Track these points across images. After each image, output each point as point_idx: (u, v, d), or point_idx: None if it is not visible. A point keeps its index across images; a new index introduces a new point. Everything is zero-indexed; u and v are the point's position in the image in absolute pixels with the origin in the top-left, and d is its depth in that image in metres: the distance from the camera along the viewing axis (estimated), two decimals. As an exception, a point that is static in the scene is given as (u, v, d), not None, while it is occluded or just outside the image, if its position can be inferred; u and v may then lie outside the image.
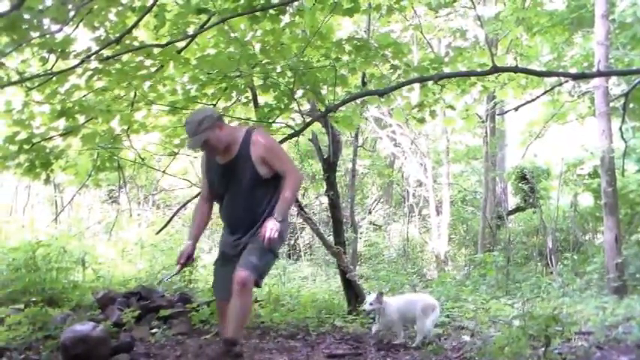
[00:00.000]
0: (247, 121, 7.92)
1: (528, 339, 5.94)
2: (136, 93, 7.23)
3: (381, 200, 24.33)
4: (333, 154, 9.32)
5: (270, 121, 7.76)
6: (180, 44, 6.69)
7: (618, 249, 10.76)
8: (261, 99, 8.33)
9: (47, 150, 7.46)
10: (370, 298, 6.89)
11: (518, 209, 19.17)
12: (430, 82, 7.33)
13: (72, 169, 8.34)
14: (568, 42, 15.47)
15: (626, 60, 12.69)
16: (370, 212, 23.28)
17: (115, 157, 8.12)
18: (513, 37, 14.76)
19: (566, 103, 15.37)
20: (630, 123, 13.86)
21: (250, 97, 8.43)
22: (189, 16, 6.40)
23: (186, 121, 4.61)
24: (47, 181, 8.04)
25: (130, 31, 5.71)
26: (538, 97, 8.14)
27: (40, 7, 5.58)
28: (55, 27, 5.66)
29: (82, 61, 5.78)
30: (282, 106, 7.59)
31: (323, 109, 7.45)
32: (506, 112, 16.57)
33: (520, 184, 18.06)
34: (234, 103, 8.20)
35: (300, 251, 21.12)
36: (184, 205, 8.18)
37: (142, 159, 8.39)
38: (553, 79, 10.50)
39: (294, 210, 9.57)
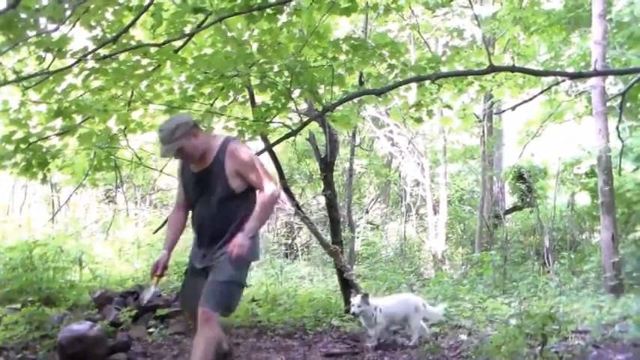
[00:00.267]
0: (244, 120, 7.92)
1: (525, 338, 5.95)
2: (132, 92, 7.21)
3: (379, 199, 24.35)
4: (330, 153, 9.32)
5: (268, 120, 7.76)
6: (177, 43, 6.69)
7: (615, 248, 10.77)
8: (259, 98, 8.33)
9: (44, 149, 7.45)
10: (356, 300, 6.82)
11: (515, 208, 19.19)
12: (427, 82, 7.34)
13: (69, 168, 8.33)
14: (565, 41, 15.48)
15: (623, 59, 12.70)
16: (367, 211, 23.29)
17: (112, 157, 8.11)
18: (510, 36, 14.78)
19: (563, 103, 15.37)
20: (627, 122, 13.86)
21: (247, 97, 8.43)
22: (186, 15, 6.39)
23: (160, 128, 4.38)
24: (44, 180, 8.02)
25: (126, 30, 5.71)
26: (535, 96, 8.15)
27: (37, 6, 5.57)
28: (51, 26, 5.63)
29: (79, 60, 5.77)
30: (280, 106, 7.58)
31: (320, 108, 7.44)
32: (503, 111, 16.59)
33: (517, 184, 18.08)
34: (232, 102, 8.19)
35: (297, 251, 21.13)
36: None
37: (139, 158, 8.37)
38: (550, 79, 10.51)
39: (291, 210, 9.55)
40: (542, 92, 9.18)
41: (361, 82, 8.62)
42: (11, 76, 6.18)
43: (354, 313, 6.88)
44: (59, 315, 7.37)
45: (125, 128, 7.59)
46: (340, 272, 9.31)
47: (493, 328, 7.73)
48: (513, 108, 7.63)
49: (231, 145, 4.38)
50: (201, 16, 6.46)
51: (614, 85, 14.10)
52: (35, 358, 6.01)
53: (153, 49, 6.25)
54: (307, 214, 11.93)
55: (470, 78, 8.25)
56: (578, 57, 14.35)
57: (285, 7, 6.52)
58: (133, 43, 6.25)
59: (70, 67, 5.89)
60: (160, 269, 4.58)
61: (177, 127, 4.24)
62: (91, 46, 5.93)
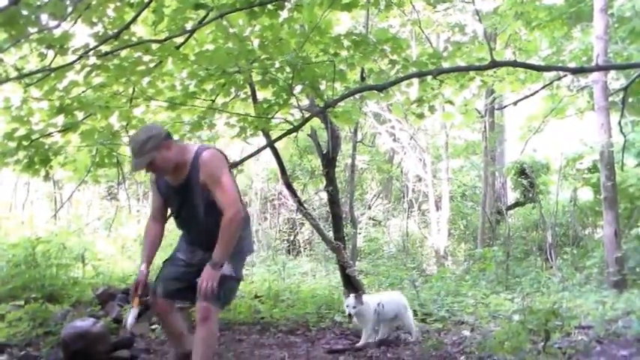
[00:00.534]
0: (246, 116, 7.92)
1: (528, 333, 5.94)
2: (134, 89, 7.21)
3: (381, 195, 24.35)
4: (332, 149, 9.32)
5: (269, 116, 7.76)
6: (179, 40, 6.69)
7: (618, 243, 10.76)
8: (260, 94, 8.33)
9: (46, 146, 7.46)
10: (350, 300, 6.60)
11: (517, 204, 19.19)
12: (429, 77, 7.34)
13: (71, 165, 8.34)
14: (567, 36, 15.44)
15: (624, 54, 12.66)
16: (370, 207, 23.29)
17: (114, 153, 8.10)
18: (512, 31, 14.76)
19: (565, 98, 15.34)
20: (629, 117, 13.84)
21: (249, 93, 8.43)
22: (188, 11, 6.39)
23: (130, 140, 4.23)
24: (46, 177, 8.03)
25: (128, 26, 5.70)
26: (537, 91, 8.15)
27: (38, 2, 5.57)
28: (53, 23, 5.64)
29: (80, 57, 5.76)
30: (281, 102, 7.57)
31: (322, 104, 7.44)
32: (505, 106, 16.55)
33: (519, 179, 18.08)
34: (233, 98, 8.19)
35: (299, 247, 21.17)
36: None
37: (141, 155, 8.36)
38: (552, 74, 10.50)
39: (294, 206, 9.54)
40: (543, 87, 9.19)
41: (363, 78, 8.61)
42: (13, 73, 6.18)
43: (349, 314, 6.65)
44: (62, 312, 7.37)
45: (127, 125, 7.58)
46: (343, 268, 9.31)
47: (496, 324, 7.73)
48: (515, 103, 7.63)
49: (203, 155, 4.18)
50: (202, 12, 6.47)
51: (616, 80, 14.07)
52: (39, 354, 6.00)
53: (154, 46, 6.24)
54: (309, 210, 11.94)
55: (471, 73, 8.24)
56: (579, 52, 14.30)
57: (286, 3, 6.52)
58: (135, 39, 6.24)
59: (72, 63, 5.88)
60: (140, 288, 4.41)
61: (148, 140, 4.04)
62: (93, 43, 5.92)
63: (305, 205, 10.82)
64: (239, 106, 8.48)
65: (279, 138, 7.50)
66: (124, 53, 6.39)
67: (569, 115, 16.59)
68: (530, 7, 14.05)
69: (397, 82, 6.90)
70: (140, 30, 7.08)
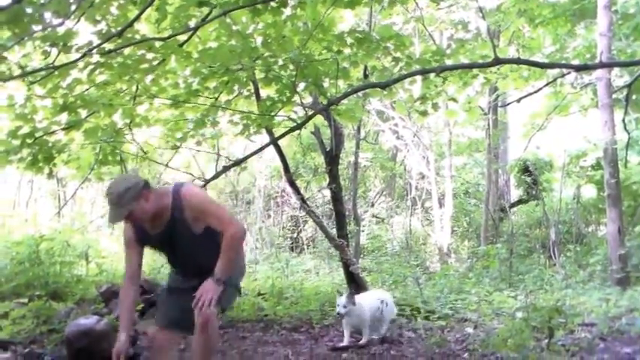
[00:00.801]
0: (249, 114, 7.92)
1: (532, 331, 5.95)
2: (137, 87, 7.22)
3: (384, 193, 24.33)
4: (335, 146, 9.33)
5: (273, 114, 7.76)
6: (182, 37, 6.69)
7: (621, 240, 10.75)
8: (263, 92, 8.34)
9: (50, 144, 7.46)
10: (342, 300, 6.50)
11: (520, 201, 19.17)
12: (432, 75, 7.32)
13: (74, 162, 8.34)
14: (570, 33, 15.41)
15: (628, 51, 12.66)
16: (373, 205, 23.29)
17: (118, 151, 8.11)
18: (515, 28, 14.72)
19: (569, 95, 15.31)
20: (633, 114, 13.84)
21: (252, 91, 8.44)
22: (191, 9, 6.38)
23: (108, 191, 4.03)
24: (50, 175, 8.05)
25: (131, 24, 5.69)
26: (540, 88, 8.12)
27: (42, 0, 5.58)
28: (56, 20, 5.64)
29: (84, 55, 5.77)
30: (284, 99, 7.57)
31: (325, 102, 7.44)
32: (508, 104, 16.56)
33: (523, 177, 18.05)
34: (236, 96, 8.20)
35: (303, 244, 21.15)
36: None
37: (145, 152, 8.38)
38: (555, 71, 10.47)
39: (297, 203, 9.55)
40: (547, 84, 9.17)
41: (366, 76, 8.61)
42: (17, 71, 6.19)
43: (339, 314, 6.54)
44: (66, 309, 7.39)
45: (130, 122, 7.59)
46: (346, 266, 9.32)
47: (499, 322, 7.73)
48: (518, 100, 7.60)
49: (182, 193, 4.07)
50: (205, 10, 6.46)
51: (620, 77, 14.04)
52: (43, 352, 6.02)
53: (158, 44, 6.25)
54: (313, 207, 11.95)
55: (475, 71, 8.22)
56: (583, 49, 14.28)
57: (289, 0, 6.51)
58: (138, 37, 6.24)
59: (76, 61, 5.89)
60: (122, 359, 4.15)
61: (126, 191, 3.91)
62: (96, 41, 5.93)
63: (308, 202, 10.82)
64: (242, 104, 8.49)
65: (283, 135, 7.49)
66: (127, 51, 6.40)
67: (572, 113, 16.56)
68: (534, 4, 14.01)
69: (400, 79, 6.89)
70: (143, 28, 7.09)
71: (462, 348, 6.46)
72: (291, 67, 6.99)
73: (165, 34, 6.19)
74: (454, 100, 8.77)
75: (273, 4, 6.25)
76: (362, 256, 16.87)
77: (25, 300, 7.87)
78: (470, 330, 7.40)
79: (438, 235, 19.31)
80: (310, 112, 7.61)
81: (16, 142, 7.14)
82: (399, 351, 6.45)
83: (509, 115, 20.53)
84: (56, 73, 6.28)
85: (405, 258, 15.96)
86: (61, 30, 5.80)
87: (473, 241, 19.83)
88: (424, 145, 20.33)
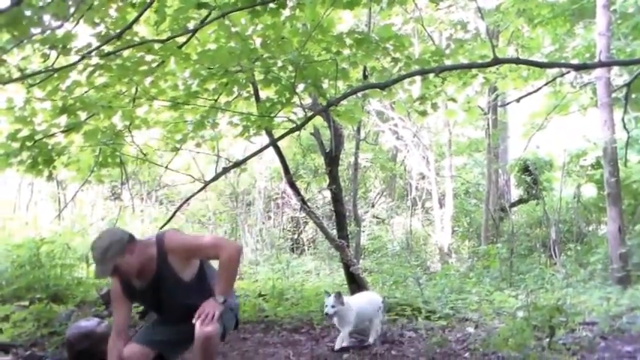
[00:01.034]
0: (249, 115, 7.92)
1: (532, 330, 5.95)
2: (137, 89, 7.22)
3: (384, 193, 24.35)
4: (335, 147, 9.33)
5: (272, 115, 7.76)
6: (181, 39, 6.69)
7: (622, 239, 10.75)
8: (263, 93, 8.34)
9: (49, 147, 7.48)
10: (330, 300, 6.34)
11: (521, 201, 19.16)
12: (431, 75, 7.32)
13: (74, 165, 8.35)
14: (569, 33, 15.42)
15: (627, 50, 12.65)
16: (373, 206, 23.30)
17: (117, 153, 8.12)
18: (514, 28, 14.73)
19: (568, 95, 15.31)
20: (632, 113, 13.83)
21: (252, 92, 8.44)
22: (190, 11, 6.39)
23: (92, 246, 3.98)
24: (50, 177, 8.06)
25: (130, 26, 5.70)
26: (540, 88, 8.11)
27: (41, 3, 5.58)
28: (55, 23, 5.65)
29: (83, 57, 5.77)
30: (284, 101, 7.57)
31: (324, 103, 7.44)
32: (507, 103, 16.56)
33: (523, 176, 18.04)
34: (236, 97, 8.20)
35: (303, 245, 21.18)
36: (187, 200, 8.16)
37: (144, 155, 8.38)
38: (555, 71, 10.48)
39: (297, 204, 9.54)
40: (546, 84, 9.15)
41: (365, 76, 8.61)
42: (16, 74, 6.19)
43: (326, 314, 6.40)
44: (67, 312, 7.41)
45: (130, 124, 7.60)
46: (346, 266, 9.32)
47: (500, 321, 7.74)
48: (518, 100, 7.59)
49: (166, 242, 4.01)
50: (204, 12, 6.46)
51: (620, 77, 14.04)
52: (44, 354, 6.03)
53: (157, 46, 6.25)
54: (313, 208, 11.94)
55: (474, 71, 8.23)
56: (582, 48, 14.27)
57: (288, 2, 6.51)
58: (137, 39, 6.25)
59: (75, 64, 5.89)
60: None
61: (110, 246, 3.86)
62: (95, 43, 5.93)
63: (308, 203, 10.81)
64: (242, 105, 8.49)
65: (282, 137, 7.47)
66: (126, 53, 6.40)
67: (572, 112, 16.56)
68: (533, 4, 14.01)
69: (400, 80, 6.88)
70: (142, 30, 7.09)
71: (463, 347, 6.46)
72: (291, 68, 6.98)
73: (165, 36, 6.19)
74: (453, 100, 8.77)
75: (272, 5, 6.25)
76: (362, 256, 16.88)
77: (26, 303, 7.88)
78: (471, 329, 7.41)
79: (438, 235, 19.32)
80: (310, 113, 7.61)
81: (16, 145, 7.16)
82: (400, 351, 6.45)
83: (509, 115, 20.53)
84: (55, 75, 6.30)
85: (405, 258, 15.93)
86: (60, 32, 5.81)
87: (473, 240, 19.82)
88: (424, 145, 20.34)
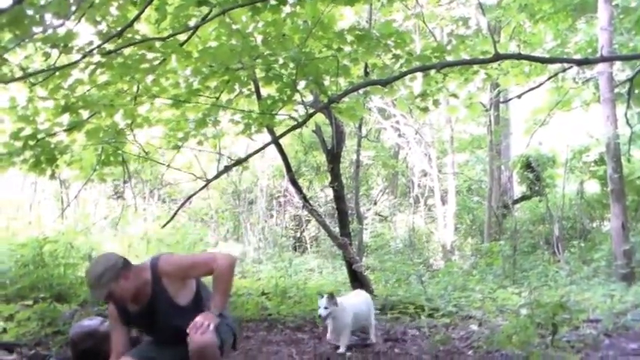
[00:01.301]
0: (251, 113, 7.91)
1: (536, 327, 5.94)
2: (138, 87, 7.21)
3: (386, 191, 24.33)
4: (336, 145, 9.33)
5: (274, 112, 7.75)
6: (182, 37, 6.68)
7: (625, 236, 10.74)
8: (264, 91, 8.34)
9: (52, 145, 7.48)
10: (322, 302, 6.22)
11: (524, 198, 19.14)
12: (433, 71, 7.31)
13: (77, 164, 8.35)
14: (571, 28, 15.39)
15: (630, 45, 12.63)
16: (375, 203, 23.29)
17: (120, 152, 8.12)
18: (516, 24, 14.71)
19: (571, 90, 15.30)
20: (635, 109, 13.80)
21: (253, 90, 8.44)
22: (190, 8, 6.38)
23: (87, 273, 3.97)
24: (53, 176, 8.05)
25: (131, 24, 5.69)
26: (541, 83, 8.13)
27: (42, 2, 5.57)
28: (57, 22, 5.65)
29: (85, 55, 5.77)
30: (285, 98, 7.56)
31: (326, 100, 7.43)
32: (509, 99, 16.53)
33: (525, 173, 18.03)
34: (237, 95, 8.19)
35: (306, 243, 21.18)
36: (189, 198, 8.18)
37: (146, 153, 8.38)
38: (557, 66, 10.47)
39: (299, 202, 9.52)
40: (548, 79, 9.17)
41: (366, 73, 8.60)
42: (18, 73, 6.19)
43: (320, 316, 6.29)
44: (70, 311, 7.40)
45: (132, 123, 7.59)
46: (349, 264, 9.32)
47: (504, 318, 7.73)
48: (519, 96, 7.61)
49: (160, 266, 3.97)
50: (205, 9, 6.45)
51: (622, 72, 14.02)
52: (48, 354, 6.02)
53: (158, 43, 6.24)
54: (315, 206, 11.94)
55: (475, 67, 8.21)
56: (584, 44, 14.25)
57: (288, -1, 6.50)
58: (138, 37, 6.24)
59: (77, 62, 5.89)
60: None
61: (104, 272, 3.83)
62: (97, 41, 5.93)
63: (311, 201, 10.82)
64: (243, 103, 8.48)
65: (284, 134, 7.46)
66: (127, 51, 6.40)
67: (574, 108, 16.55)
68: (534, -1, 14.02)
69: (401, 76, 6.85)
70: (143, 28, 7.08)
71: (467, 345, 6.45)
72: (292, 65, 6.97)
73: (166, 34, 6.18)
74: (455, 96, 8.77)
75: (272, 2, 6.24)
76: (365, 254, 16.85)
77: (30, 302, 7.87)
78: (474, 327, 7.40)
79: (441, 233, 19.32)
80: (311, 111, 7.60)
81: (19, 144, 7.15)
82: (403, 349, 6.45)
83: (511, 112, 20.52)
84: (57, 73, 6.29)
85: (408, 256, 15.94)
86: (61, 31, 5.80)
87: (476, 238, 19.82)
88: (426, 142, 20.34)
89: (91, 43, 5.91)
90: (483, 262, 13.85)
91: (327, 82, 7.57)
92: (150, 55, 6.54)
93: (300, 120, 7.17)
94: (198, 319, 3.75)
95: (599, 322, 7.20)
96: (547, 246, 15.33)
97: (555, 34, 15.44)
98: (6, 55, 5.91)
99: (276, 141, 8.51)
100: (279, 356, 6.27)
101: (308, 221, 21.30)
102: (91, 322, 5.71)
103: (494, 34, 8.43)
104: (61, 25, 5.66)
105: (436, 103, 8.32)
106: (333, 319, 6.24)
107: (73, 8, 5.54)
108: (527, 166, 17.81)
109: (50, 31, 5.73)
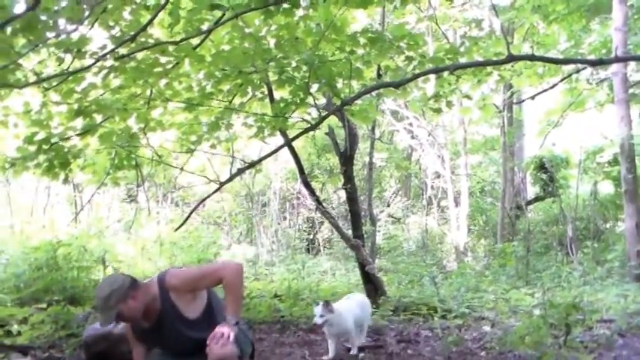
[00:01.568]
0: (264, 116, 7.93)
1: (549, 328, 5.92)
2: (152, 91, 7.24)
3: (399, 193, 24.32)
4: (349, 147, 9.33)
5: (287, 115, 7.76)
6: (195, 41, 6.70)
7: (639, 236, 10.68)
8: (277, 94, 8.34)
9: (66, 149, 7.51)
10: (318, 309, 6.02)
11: (537, 199, 19.08)
12: (446, 73, 7.30)
13: (90, 168, 8.39)
14: (585, 29, 15.33)
15: (644, 45, 12.59)
16: (389, 205, 23.28)
17: (133, 156, 8.15)
18: (529, 25, 14.67)
19: (585, 91, 15.25)
20: (649, 109, 13.76)
21: (266, 93, 8.45)
22: (203, 12, 6.40)
23: (96, 295, 3.96)
24: (66, 180, 8.10)
25: (144, 28, 5.72)
26: (555, 84, 8.11)
27: (56, 7, 5.61)
28: (70, 27, 5.68)
29: (98, 60, 5.80)
30: (298, 101, 7.57)
31: (339, 102, 7.43)
32: (523, 101, 16.49)
33: (539, 174, 17.96)
34: (250, 98, 8.20)
35: (319, 245, 21.19)
36: (202, 201, 8.18)
37: (160, 156, 8.41)
38: (570, 67, 10.45)
39: (312, 205, 9.53)
40: (562, 80, 9.15)
41: (379, 75, 8.60)
42: (32, 78, 6.23)
43: (315, 324, 6.09)
44: (84, 314, 7.43)
45: (145, 127, 7.61)
46: (362, 266, 9.31)
47: (516, 319, 7.70)
48: (533, 97, 7.60)
49: (167, 282, 3.96)
50: (218, 13, 6.47)
51: (637, 72, 13.99)
52: (62, 356, 6.07)
53: (171, 47, 6.27)
54: (328, 208, 11.95)
55: (489, 68, 8.20)
56: (599, 44, 14.19)
57: (301, 2, 6.50)
58: (151, 41, 6.26)
59: (90, 66, 5.92)
60: None
61: (111, 294, 3.83)
62: (110, 46, 5.96)
63: (324, 203, 10.82)
64: (256, 106, 8.50)
65: (297, 137, 7.48)
66: (141, 55, 6.42)
67: (588, 109, 16.50)
68: (548, 0, 13.97)
69: (414, 78, 6.85)
70: (157, 32, 7.11)
71: (480, 346, 6.44)
72: (305, 68, 6.98)
73: (178, 38, 6.20)
74: (468, 97, 8.75)
75: (285, 5, 6.25)
76: (378, 256, 16.87)
77: (44, 305, 7.92)
78: (487, 328, 7.39)
79: (454, 234, 19.28)
80: (324, 113, 7.61)
81: (33, 148, 7.19)
82: (416, 350, 6.45)
83: (525, 113, 20.45)
84: (71, 78, 6.32)
85: (421, 257, 15.93)
86: (75, 36, 5.84)
87: (489, 239, 19.78)
88: (439, 144, 20.31)
89: (104, 47, 5.95)
90: (496, 263, 13.82)
91: (339, 85, 7.57)
92: (163, 59, 6.58)
93: (313, 123, 7.19)
94: (218, 329, 3.71)
95: (613, 322, 7.17)
96: (560, 247, 15.27)
97: (569, 35, 15.38)
98: (20, 61, 5.94)
99: (289, 144, 8.53)
100: (292, 358, 6.29)
101: (321, 223, 21.33)
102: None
103: (507, 36, 8.39)
104: (75, 30, 5.70)
105: (449, 104, 8.32)
106: (329, 326, 6.06)
107: (87, 13, 5.57)
108: (541, 167, 17.75)
109: (64, 36, 5.77)
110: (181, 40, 6.00)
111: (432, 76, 7.77)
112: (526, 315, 7.40)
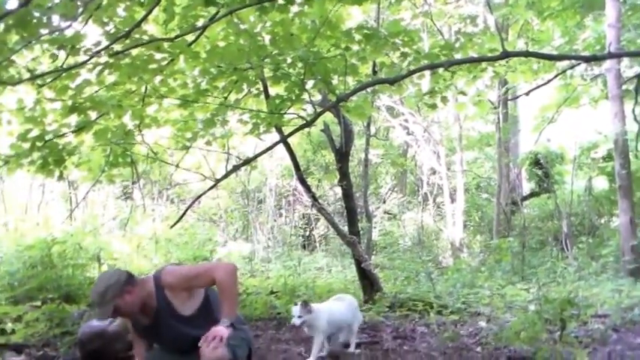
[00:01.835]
0: (259, 112, 7.92)
1: (544, 323, 5.94)
2: (146, 87, 7.22)
3: (395, 189, 24.32)
4: (345, 143, 9.33)
5: (282, 112, 7.75)
6: (190, 37, 6.69)
7: (633, 231, 10.73)
8: (272, 90, 8.34)
9: (60, 147, 7.48)
10: (296, 310, 5.94)
11: (532, 194, 19.13)
12: (441, 69, 7.31)
13: (85, 165, 8.36)
14: (579, 25, 15.36)
15: (638, 41, 12.60)
16: (384, 201, 23.27)
17: (128, 153, 8.12)
18: (524, 21, 14.68)
19: (579, 87, 15.28)
20: (643, 105, 13.75)
21: (261, 89, 8.44)
22: (198, 8, 6.39)
23: (92, 289, 3.97)
24: (61, 177, 8.06)
25: (139, 24, 5.69)
26: (550, 80, 8.09)
27: (49, 3, 5.59)
28: (64, 23, 5.66)
29: (92, 56, 5.78)
30: (294, 97, 7.57)
31: (334, 98, 7.43)
32: (517, 96, 16.51)
33: (534, 170, 18.00)
34: (246, 95, 8.20)
35: (315, 242, 21.18)
36: (198, 198, 8.19)
37: (155, 153, 8.39)
38: (565, 63, 10.44)
39: (308, 201, 9.53)
40: (556, 76, 9.14)
41: (374, 72, 8.60)
42: (25, 75, 6.21)
43: (294, 324, 6.02)
44: (79, 312, 7.42)
45: (140, 123, 7.59)
46: (358, 262, 9.32)
47: (512, 315, 7.72)
48: (527, 93, 7.58)
49: (163, 279, 3.96)
50: (213, 10, 6.46)
51: (630, 68, 14.00)
52: (56, 354, 6.05)
53: (166, 44, 6.25)
54: (324, 205, 11.95)
55: (483, 64, 8.21)
56: (592, 41, 14.22)
57: (296, -2, 6.50)
58: (146, 38, 6.24)
59: (84, 63, 5.90)
60: None
61: (107, 289, 3.83)
62: (104, 42, 5.94)
63: (319, 200, 10.82)
64: (251, 103, 8.50)
65: (292, 133, 7.45)
66: (135, 52, 6.41)
67: (582, 105, 16.53)
68: (542, -4, 13.99)
69: (409, 74, 6.83)
70: (151, 28, 7.09)
71: (475, 342, 6.46)
72: (300, 64, 6.98)
73: (173, 35, 6.19)
74: (463, 93, 8.76)
75: (280, 1, 6.24)
76: (374, 252, 16.86)
77: (39, 303, 7.90)
78: (483, 324, 7.40)
79: (450, 230, 19.30)
80: (319, 110, 7.60)
81: (27, 146, 7.15)
82: (412, 346, 6.45)
83: (520, 109, 20.50)
84: (65, 75, 6.30)
85: (417, 253, 15.93)
86: (68, 33, 5.81)
87: (485, 235, 19.81)
88: (435, 140, 20.31)
89: (98, 43, 5.93)
90: (492, 259, 13.84)
91: (335, 81, 7.56)
92: (158, 56, 6.55)
93: (308, 119, 7.17)
94: (210, 332, 3.69)
95: (607, 317, 7.20)
96: (555, 242, 15.32)
97: (563, 32, 15.42)
98: (13, 57, 5.91)
99: (284, 140, 8.51)
100: (288, 355, 6.29)
101: (317, 220, 21.30)
102: (100, 323, 5.74)
103: (502, 32, 8.40)
104: (69, 26, 5.68)
105: (444, 100, 8.33)
106: (308, 327, 5.99)
107: (80, 10, 5.55)
108: (536, 163, 17.79)
109: (57, 32, 5.75)
110: (176, 37, 5.98)
111: (427, 73, 7.77)
112: (521, 310, 7.44)
